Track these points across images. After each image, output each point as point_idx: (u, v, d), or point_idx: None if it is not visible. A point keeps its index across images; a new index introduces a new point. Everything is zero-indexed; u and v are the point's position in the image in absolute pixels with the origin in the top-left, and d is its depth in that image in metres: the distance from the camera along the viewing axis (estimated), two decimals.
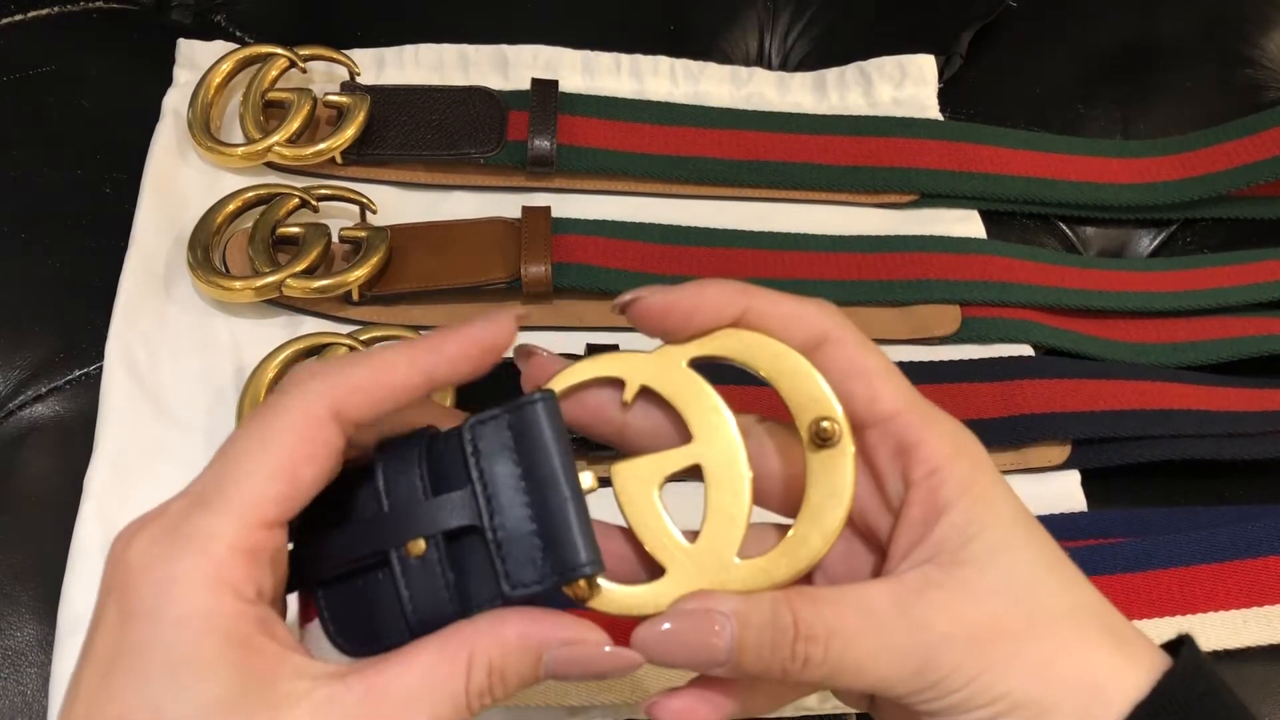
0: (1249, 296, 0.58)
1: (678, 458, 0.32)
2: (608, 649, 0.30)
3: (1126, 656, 0.30)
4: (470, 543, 0.30)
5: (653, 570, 0.32)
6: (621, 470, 0.32)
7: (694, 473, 0.32)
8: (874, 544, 0.33)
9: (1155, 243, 0.62)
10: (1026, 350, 0.55)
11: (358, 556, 0.30)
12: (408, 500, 0.30)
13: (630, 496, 0.32)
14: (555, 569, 0.30)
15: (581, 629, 0.30)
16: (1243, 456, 0.52)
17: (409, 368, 0.30)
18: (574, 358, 0.50)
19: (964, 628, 0.30)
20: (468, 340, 0.31)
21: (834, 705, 0.44)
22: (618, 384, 0.33)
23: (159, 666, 0.27)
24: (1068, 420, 0.51)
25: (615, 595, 0.31)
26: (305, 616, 0.32)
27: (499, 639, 0.29)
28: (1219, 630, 0.47)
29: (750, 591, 0.31)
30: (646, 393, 0.33)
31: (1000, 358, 0.54)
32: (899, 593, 0.30)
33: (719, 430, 0.32)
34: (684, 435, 0.33)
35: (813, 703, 0.44)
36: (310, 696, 0.27)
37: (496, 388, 0.35)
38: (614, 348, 0.50)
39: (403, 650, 0.29)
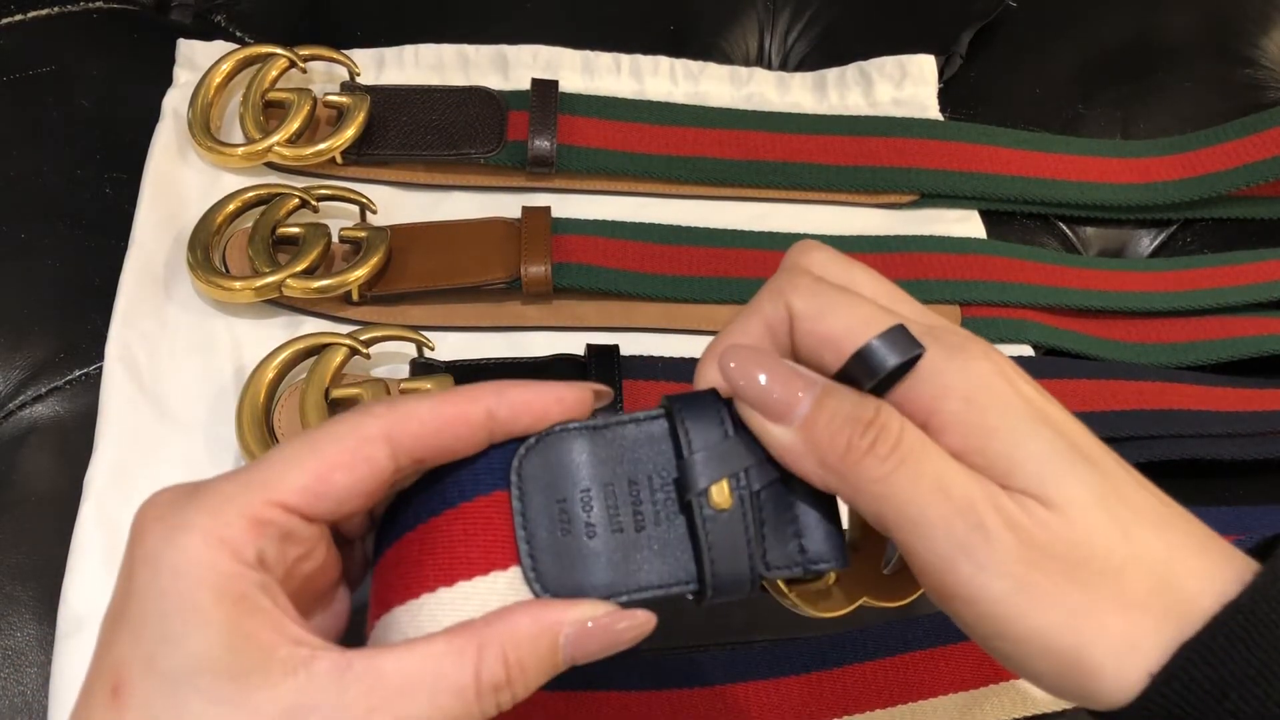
0: (1249, 296, 0.58)
1: None
2: (623, 624, 0.29)
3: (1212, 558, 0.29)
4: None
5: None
6: None
7: None
8: None
9: (1155, 243, 0.62)
10: (1026, 350, 0.55)
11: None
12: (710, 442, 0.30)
13: None
14: (805, 558, 0.30)
15: (589, 605, 0.29)
16: (1242, 456, 0.52)
17: (470, 405, 0.30)
18: (575, 358, 0.50)
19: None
20: (541, 392, 0.31)
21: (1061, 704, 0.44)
22: None
23: (153, 614, 0.27)
24: None
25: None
26: (374, 614, 0.31)
27: (511, 627, 0.29)
28: None
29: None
30: None
31: None
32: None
33: None
34: None
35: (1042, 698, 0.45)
36: (308, 667, 0.27)
37: None
38: (615, 348, 0.50)
39: (413, 639, 0.29)
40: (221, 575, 0.27)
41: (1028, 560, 0.27)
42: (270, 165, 0.55)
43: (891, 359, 0.29)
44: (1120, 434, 0.51)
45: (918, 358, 0.29)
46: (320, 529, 0.30)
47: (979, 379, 0.29)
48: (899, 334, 0.29)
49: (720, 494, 0.30)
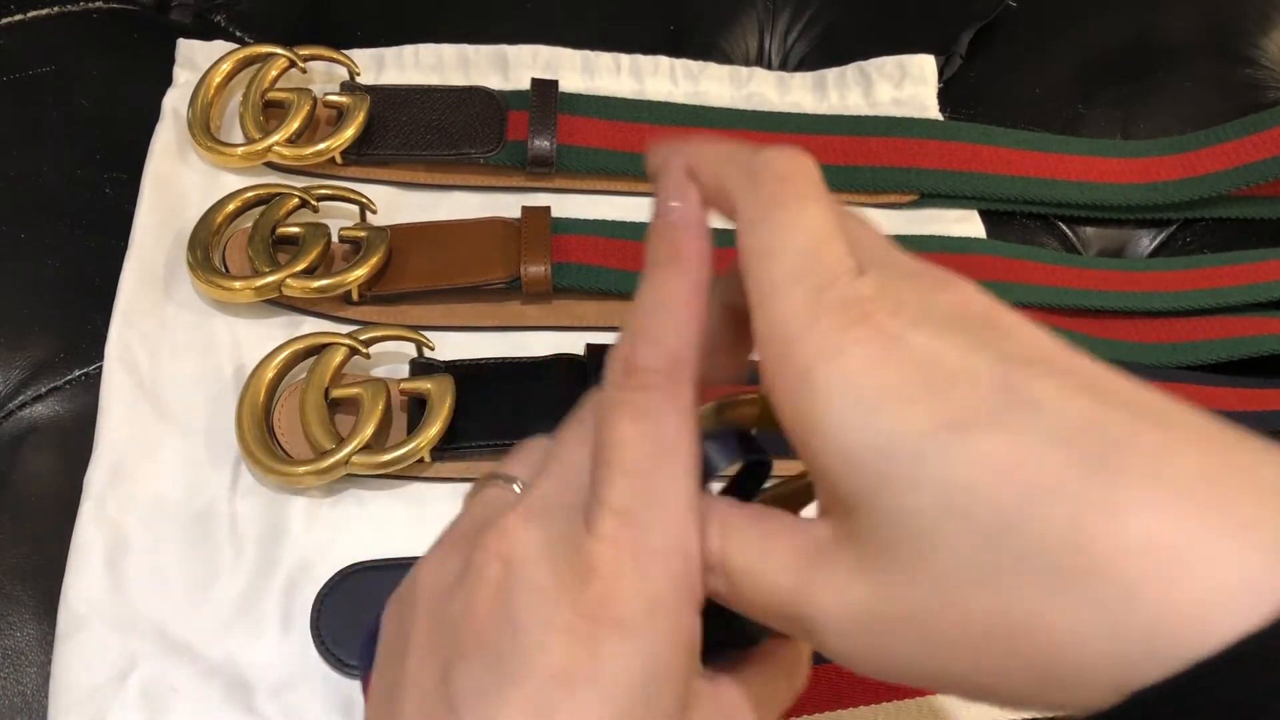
0: (1249, 296, 0.58)
1: None
2: None
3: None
4: None
5: None
6: None
7: None
8: None
9: (1155, 243, 0.62)
10: None
11: None
12: None
13: None
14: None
15: None
16: None
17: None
18: (575, 359, 0.50)
19: None
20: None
21: None
22: None
23: None
24: None
25: None
26: None
27: None
28: None
29: None
30: None
31: None
32: None
33: None
34: None
35: None
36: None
37: None
38: None
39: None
40: None
41: None
42: (270, 165, 0.55)
43: (721, 464, 0.27)
44: None
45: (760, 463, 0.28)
46: None
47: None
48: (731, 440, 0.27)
49: None
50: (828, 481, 0.23)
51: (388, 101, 0.57)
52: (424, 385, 0.48)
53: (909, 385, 0.22)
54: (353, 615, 0.44)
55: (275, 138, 0.54)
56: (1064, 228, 0.61)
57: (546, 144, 0.56)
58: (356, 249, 0.52)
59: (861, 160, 0.59)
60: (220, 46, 0.58)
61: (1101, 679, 0.20)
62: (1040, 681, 0.20)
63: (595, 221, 0.56)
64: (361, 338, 0.49)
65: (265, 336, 0.50)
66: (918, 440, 0.21)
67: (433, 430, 0.47)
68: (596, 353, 0.50)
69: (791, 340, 0.23)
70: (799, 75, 0.63)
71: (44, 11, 0.59)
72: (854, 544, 0.22)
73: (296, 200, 0.53)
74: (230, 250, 0.52)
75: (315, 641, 0.44)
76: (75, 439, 0.48)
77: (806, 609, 0.23)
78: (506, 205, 0.56)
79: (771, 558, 0.24)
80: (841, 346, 0.22)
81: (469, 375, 0.49)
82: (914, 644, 0.22)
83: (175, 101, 0.57)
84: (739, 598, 0.25)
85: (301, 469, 0.46)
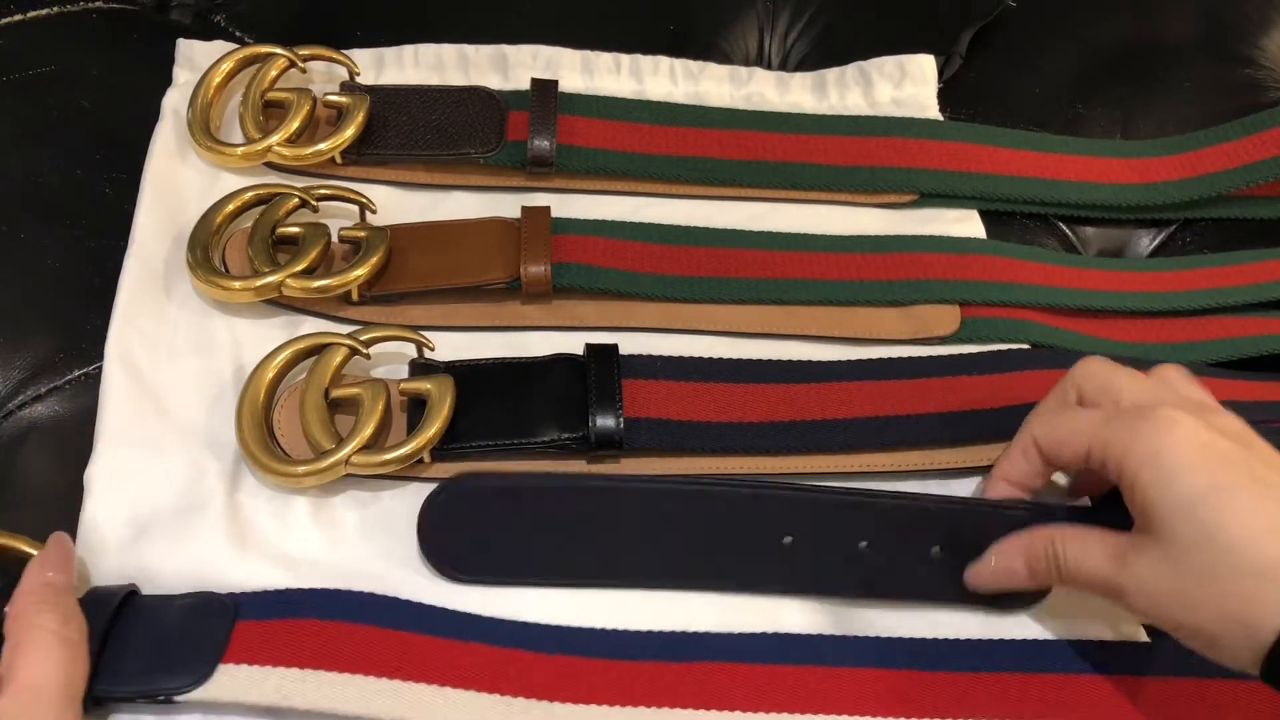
0: (1249, 296, 0.58)
1: None
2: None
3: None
4: None
5: None
6: None
7: None
8: None
9: (1155, 243, 0.62)
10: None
11: None
12: None
13: None
14: None
15: None
16: None
17: None
18: (575, 358, 0.50)
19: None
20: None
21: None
22: None
23: None
24: None
25: None
26: None
27: None
28: None
29: None
30: None
31: (995, 350, 0.54)
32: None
33: None
34: None
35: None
36: None
37: None
38: (614, 348, 0.50)
39: None
40: None
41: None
42: (270, 165, 0.55)
43: None
44: None
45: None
46: None
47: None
48: None
49: None
50: (1150, 512, 0.40)
51: (388, 101, 0.57)
52: (424, 385, 0.48)
53: (1203, 463, 0.39)
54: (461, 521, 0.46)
55: (275, 138, 0.54)
56: (1064, 228, 0.61)
57: (546, 144, 0.56)
58: (356, 249, 0.52)
59: (861, 160, 0.59)
60: (220, 46, 0.58)
61: (1268, 628, 0.37)
62: (1241, 630, 0.37)
63: (595, 221, 0.56)
64: (361, 338, 0.49)
65: (265, 336, 0.50)
66: (1203, 495, 0.38)
67: (432, 430, 0.47)
68: (596, 353, 0.50)
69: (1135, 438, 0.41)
70: (799, 75, 0.63)
71: (44, 11, 0.59)
72: (1158, 546, 0.39)
73: (296, 200, 0.53)
74: (230, 250, 0.52)
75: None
76: (75, 439, 0.48)
77: (1120, 580, 0.41)
78: (506, 205, 0.56)
79: (1092, 553, 0.42)
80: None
81: (469, 375, 0.49)
82: (1180, 604, 0.39)
83: (175, 101, 0.57)
84: (1070, 576, 0.43)
85: (301, 469, 0.46)
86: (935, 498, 0.48)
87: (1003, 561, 0.45)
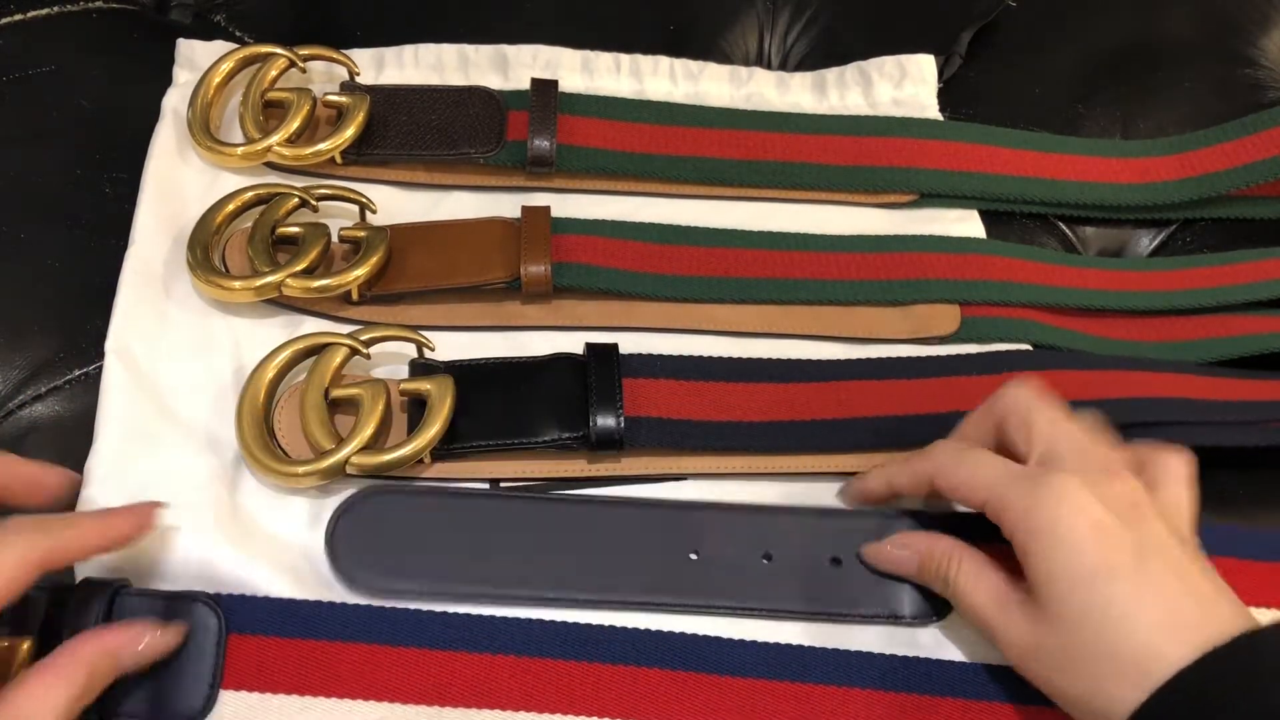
0: (1249, 295, 0.58)
1: None
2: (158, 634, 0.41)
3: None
4: None
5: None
6: None
7: None
8: None
9: (1155, 243, 0.62)
10: (1026, 350, 0.55)
11: None
12: None
13: None
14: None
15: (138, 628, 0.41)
16: (1242, 444, 0.51)
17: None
18: (575, 358, 0.50)
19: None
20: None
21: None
22: None
23: None
24: None
25: None
26: None
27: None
28: None
29: None
30: None
31: (995, 350, 0.54)
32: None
33: None
34: None
35: None
36: None
37: None
38: (614, 347, 0.50)
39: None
40: None
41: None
42: (270, 165, 0.55)
43: None
44: (1115, 422, 0.51)
45: None
46: None
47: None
48: None
49: None
50: (1036, 579, 0.41)
51: (388, 101, 0.57)
52: (424, 386, 0.48)
53: (1092, 545, 0.40)
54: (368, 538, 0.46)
55: (275, 138, 0.54)
56: (1064, 228, 0.61)
57: (546, 144, 0.56)
58: (356, 249, 0.52)
59: (861, 160, 0.59)
60: (220, 46, 0.58)
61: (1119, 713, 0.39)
62: (1101, 704, 0.39)
63: (595, 221, 0.56)
64: (362, 338, 0.49)
65: (265, 336, 0.50)
66: (1088, 578, 0.40)
67: (433, 431, 0.47)
68: (597, 352, 0.50)
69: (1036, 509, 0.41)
70: (799, 75, 0.63)
71: (44, 11, 0.59)
72: (1040, 609, 0.41)
73: (296, 200, 0.53)
74: (230, 250, 0.52)
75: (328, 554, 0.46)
76: (75, 439, 0.48)
77: (995, 626, 0.42)
78: (506, 205, 0.56)
79: (980, 588, 0.43)
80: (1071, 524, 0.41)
81: (469, 375, 0.49)
82: (1045, 664, 0.41)
83: (175, 101, 0.57)
84: (954, 598, 0.44)
85: (301, 469, 0.46)
86: (839, 509, 0.48)
87: (901, 551, 0.46)
